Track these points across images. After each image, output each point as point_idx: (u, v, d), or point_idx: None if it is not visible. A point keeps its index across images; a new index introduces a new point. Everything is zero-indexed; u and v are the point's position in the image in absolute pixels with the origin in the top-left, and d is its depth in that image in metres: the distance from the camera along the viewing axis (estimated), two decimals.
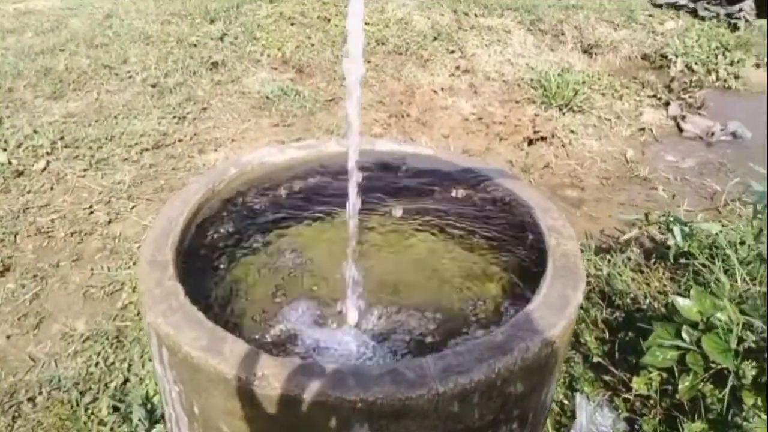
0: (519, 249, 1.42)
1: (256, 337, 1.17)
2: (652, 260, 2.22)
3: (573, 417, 1.57)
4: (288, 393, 0.94)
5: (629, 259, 2.24)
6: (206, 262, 1.34)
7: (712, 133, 4.05)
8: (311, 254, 1.46)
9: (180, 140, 3.39)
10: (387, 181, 1.61)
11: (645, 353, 1.53)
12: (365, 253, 1.42)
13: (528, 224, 1.46)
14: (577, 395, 1.56)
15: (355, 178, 1.23)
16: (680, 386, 1.41)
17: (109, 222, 2.62)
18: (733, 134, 4.05)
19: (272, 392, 0.94)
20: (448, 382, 0.96)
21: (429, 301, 1.33)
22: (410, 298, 1.35)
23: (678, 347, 1.40)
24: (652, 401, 1.53)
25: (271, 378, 0.95)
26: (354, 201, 1.25)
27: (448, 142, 3.55)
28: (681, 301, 1.45)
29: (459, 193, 1.62)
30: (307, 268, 1.42)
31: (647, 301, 1.90)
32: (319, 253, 1.46)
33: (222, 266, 1.35)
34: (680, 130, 4.13)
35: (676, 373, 1.44)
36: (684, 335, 1.39)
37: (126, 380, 1.71)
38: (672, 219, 2.07)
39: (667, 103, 4.34)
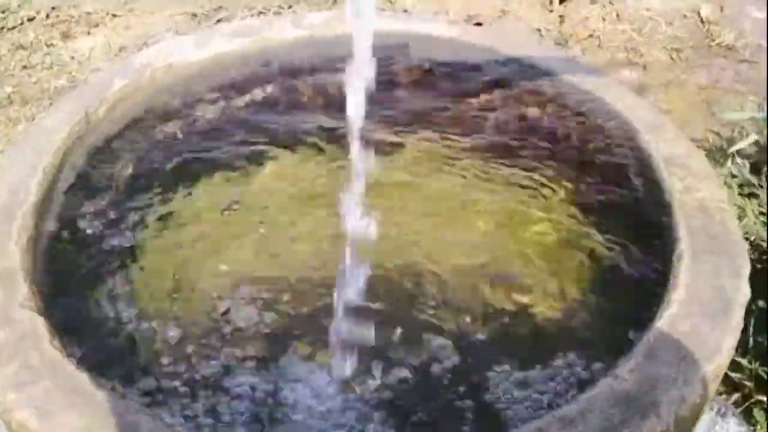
0: (618, 199, 1.16)
1: (192, 406, 0.89)
2: (765, 177, 2.01)
3: None
4: None
5: (733, 176, 2.02)
6: (87, 263, 1.05)
7: None
8: (270, 234, 1.20)
9: (30, 19, 3.00)
10: (390, 86, 1.31)
11: None
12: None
13: (628, 154, 1.19)
14: (717, 401, 1.39)
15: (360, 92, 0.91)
16: None
17: None
18: None
19: None
20: None
21: (471, 300, 1.09)
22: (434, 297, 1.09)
23: None
24: None
25: None
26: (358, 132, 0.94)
27: (445, 3, 3.19)
28: None
29: (504, 102, 1.34)
30: (263, 262, 1.16)
31: None
32: (283, 232, 1.19)
33: (115, 269, 1.06)
34: None
35: None
36: None
37: None
38: None
39: None
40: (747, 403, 1.46)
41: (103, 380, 0.80)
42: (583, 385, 0.85)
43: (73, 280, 1.01)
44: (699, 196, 1.07)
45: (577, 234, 1.17)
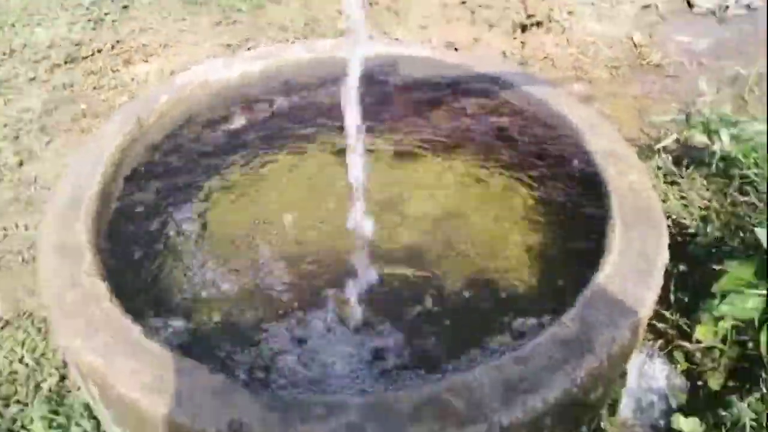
0: (564, 185, 1.13)
1: (226, 358, 0.87)
2: (685, 168, 1.97)
3: None
4: None
5: (659, 167, 1.98)
6: (141, 241, 1.01)
7: (726, 7, 3.69)
8: (291, 213, 1.14)
9: (99, 50, 2.90)
10: (379, 97, 1.26)
11: (706, 293, 1.30)
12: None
13: (572, 148, 1.16)
14: (645, 347, 1.36)
15: (354, 99, 0.88)
16: (762, 339, 1.21)
17: (20, 164, 2.22)
18: (748, 6, 3.70)
19: None
20: (514, 409, 0.70)
21: (451, 272, 1.04)
22: (424, 269, 1.05)
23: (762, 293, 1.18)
24: (717, 352, 1.34)
25: (258, 429, 0.67)
26: (355, 134, 0.91)
27: (427, 33, 3.12)
28: (764, 234, 1.21)
29: (474, 108, 1.29)
30: (288, 236, 1.10)
31: (694, 222, 1.66)
32: (300, 210, 1.14)
33: (165, 244, 1.02)
34: (690, 5, 3.75)
35: (756, 323, 1.23)
36: None
37: (62, 378, 1.42)
38: (718, 117, 1.79)
39: None
40: (669, 347, 1.43)
41: (151, 329, 0.78)
42: (535, 331, 0.83)
43: (127, 252, 0.98)
44: (629, 180, 1.04)
45: (526, 211, 1.14)
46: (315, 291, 0.98)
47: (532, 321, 0.91)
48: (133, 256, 0.98)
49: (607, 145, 1.12)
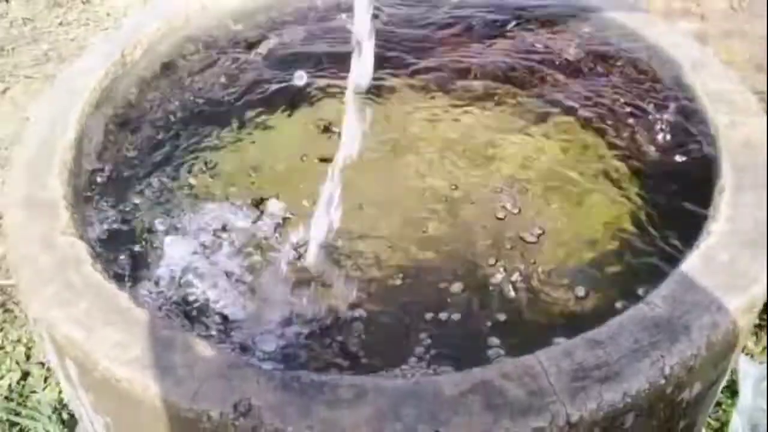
0: (662, 137, 1.17)
1: (225, 325, 0.94)
2: None
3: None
4: None
5: None
6: (124, 195, 1.10)
7: None
8: (293, 168, 1.23)
9: None
10: (411, 27, 1.33)
11: None
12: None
13: (671, 90, 1.19)
14: (741, 357, 1.39)
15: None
16: None
17: None
18: None
19: None
20: (587, 400, 0.74)
21: (506, 235, 1.10)
22: (467, 231, 1.11)
23: None
24: None
25: (269, 413, 0.73)
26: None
27: None
28: None
29: (540, 40, 1.35)
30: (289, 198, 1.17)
31: None
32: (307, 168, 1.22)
33: (152, 200, 1.11)
34: None
35: None
36: None
37: (25, 374, 1.54)
38: None
39: None
40: None
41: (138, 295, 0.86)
42: (617, 312, 0.87)
43: (108, 208, 1.06)
44: (744, 132, 1.07)
45: (621, 169, 1.19)
46: None
47: (615, 301, 0.95)
48: (116, 213, 1.06)
49: (717, 87, 1.15)
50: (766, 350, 1.55)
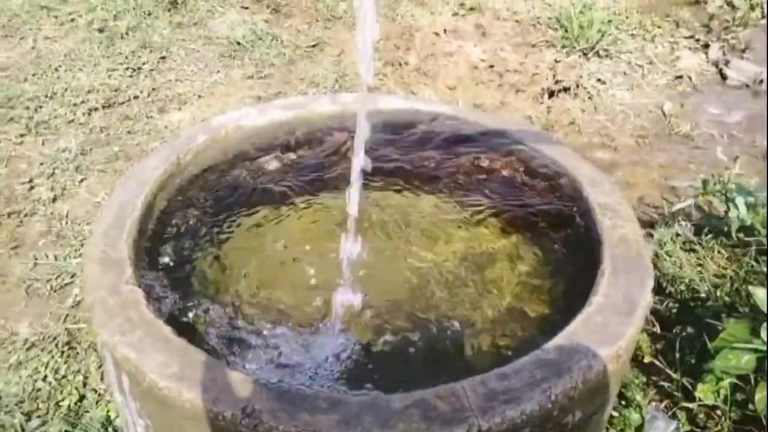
0: (564, 234, 1.30)
1: (241, 356, 1.04)
2: (704, 236, 2.11)
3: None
4: None
5: (678, 235, 2.12)
6: (173, 258, 1.21)
7: (761, 81, 3.90)
8: (304, 245, 1.32)
9: (135, 97, 3.19)
10: (396, 148, 1.46)
11: (709, 353, 1.42)
12: (370, 241, 1.29)
13: (574, 201, 1.33)
14: (650, 407, 1.46)
15: (361, 149, 1.09)
16: (757, 397, 1.31)
17: (54, 199, 2.46)
18: None
19: None
20: (494, 416, 0.85)
21: (450, 304, 1.20)
22: (424, 300, 1.22)
23: (756, 350, 1.30)
24: (719, 413, 1.44)
25: (267, 415, 0.83)
26: (358, 180, 1.11)
27: (455, 95, 3.38)
28: (759, 292, 1.34)
29: (487, 162, 1.48)
30: (301, 264, 1.28)
31: (706, 287, 1.79)
32: (314, 243, 1.32)
33: (193, 263, 1.21)
34: (723, 77, 3.97)
35: (752, 381, 1.34)
36: (763, 334, 1.29)
37: (81, 397, 1.59)
38: (734, 186, 1.94)
39: (707, 45, 4.17)
40: (674, 409, 1.53)
41: (180, 330, 0.96)
42: (521, 354, 0.98)
43: (162, 268, 1.17)
44: (622, 232, 1.20)
45: (521, 259, 1.30)
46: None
47: (521, 346, 1.06)
48: (168, 272, 1.17)
49: (605, 200, 1.29)
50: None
